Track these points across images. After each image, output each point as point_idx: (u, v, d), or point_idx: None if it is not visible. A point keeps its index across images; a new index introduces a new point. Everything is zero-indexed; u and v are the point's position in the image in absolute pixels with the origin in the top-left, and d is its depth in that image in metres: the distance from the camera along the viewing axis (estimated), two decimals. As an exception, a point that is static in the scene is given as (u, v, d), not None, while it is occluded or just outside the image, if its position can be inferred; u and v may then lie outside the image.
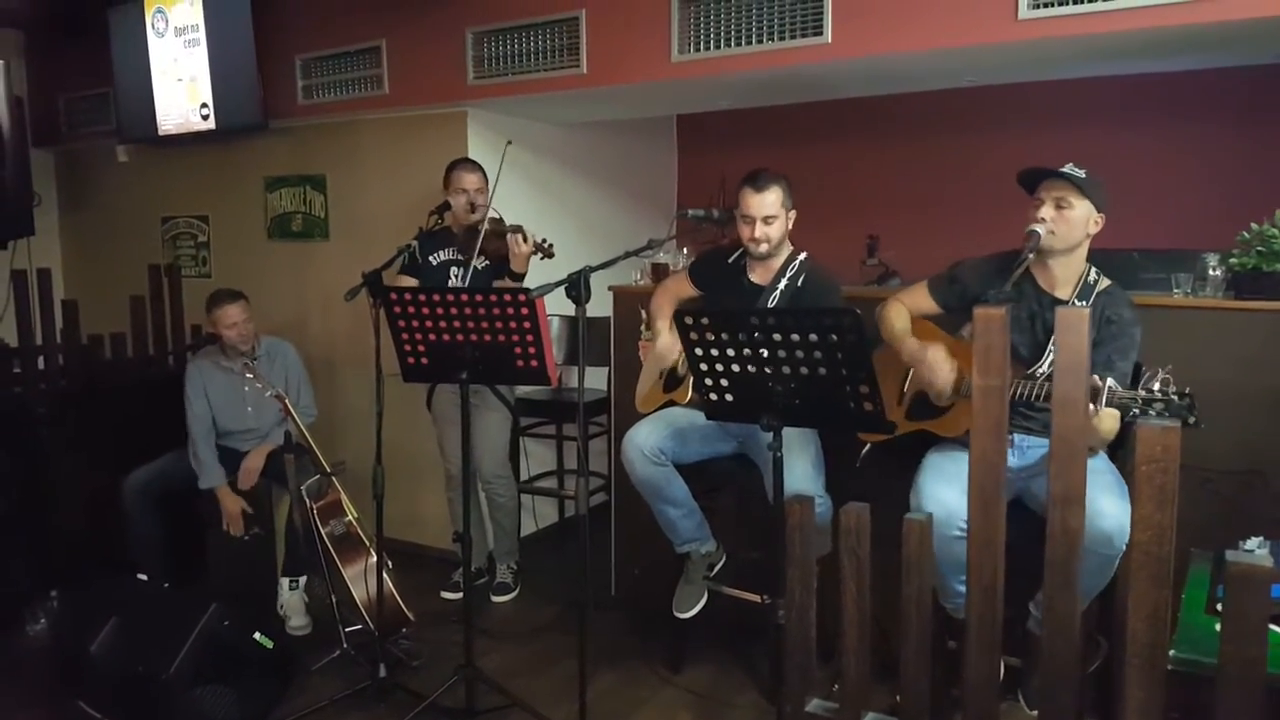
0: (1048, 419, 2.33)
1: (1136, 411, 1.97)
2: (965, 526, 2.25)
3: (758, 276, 2.94)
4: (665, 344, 2.97)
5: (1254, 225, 2.62)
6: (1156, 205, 4.00)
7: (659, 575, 3.15)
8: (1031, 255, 2.35)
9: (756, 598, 2.95)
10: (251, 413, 3.60)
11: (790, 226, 2.89)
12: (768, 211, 2.80)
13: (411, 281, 3.44)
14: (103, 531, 3.60)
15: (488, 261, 3.44)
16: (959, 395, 2.46)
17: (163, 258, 4.90)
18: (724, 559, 3.05)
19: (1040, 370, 2.39)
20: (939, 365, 2.41)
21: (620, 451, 2.92)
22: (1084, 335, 1.65)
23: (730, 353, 2.18)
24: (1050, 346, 2.40)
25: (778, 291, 2.87)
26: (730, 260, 3.00)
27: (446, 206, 3.44)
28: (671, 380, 3.05)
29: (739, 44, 3.31)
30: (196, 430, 3.54)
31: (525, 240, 3.22)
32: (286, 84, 4.40)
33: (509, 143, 3.31)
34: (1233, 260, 2.66)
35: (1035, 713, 2.28)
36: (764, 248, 2.83)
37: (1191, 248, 2.95)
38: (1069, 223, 2.36)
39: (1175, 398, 1.95)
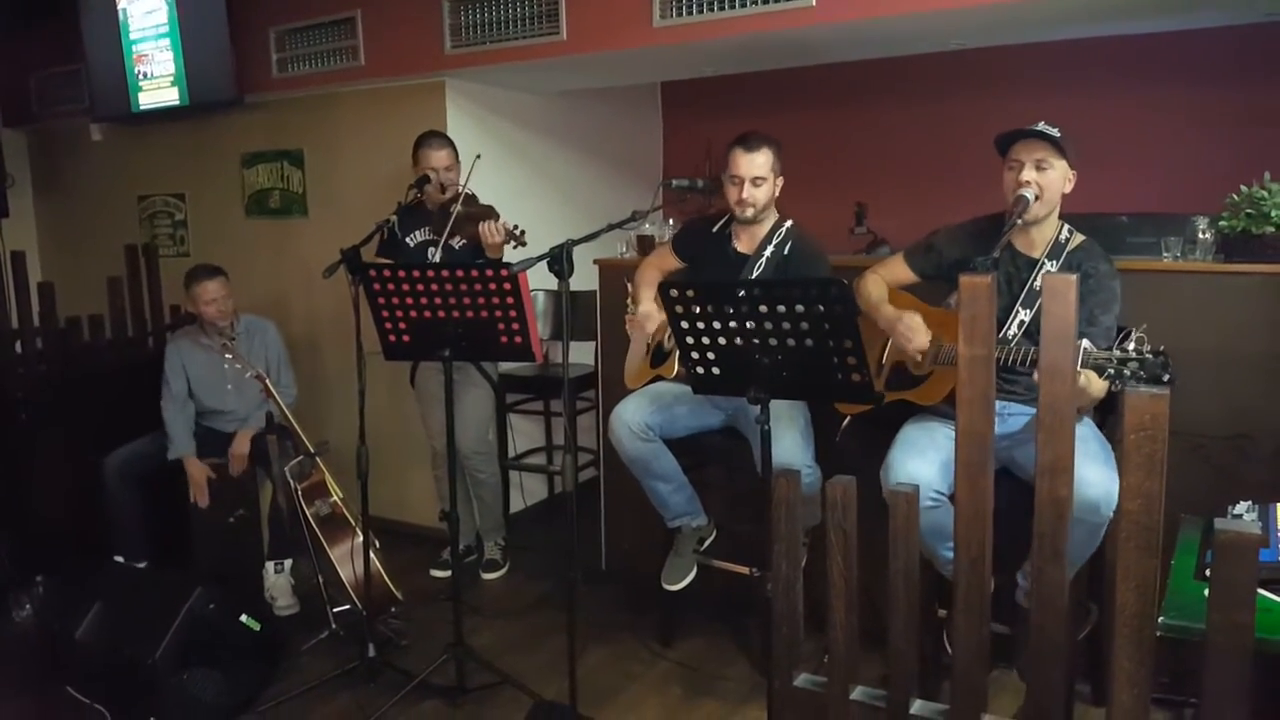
0: (1029, 383, 2.33)
1: (1112, 371, 1.96)
2: (936, 496, 2.26)
3: (743, 245, 2.90)
4: (646, 310, 2.93)
5: (1243, 188, 2.59)
6: (1146, 168, 3.96)
7: (649, 549, 3.14)
8: (1020, 220, 2.32)
9: (746, 570, 2.94)
10: (232, 391, 3.56)
11: (778, 193, 2.84)
12: (757, 173, 2.76)
13: (387, 261, 3.38)
14: (85, 516, 3.57)
15: (465, 241, 3.38)
16: (937, 363, 2.44)
17: (139, 237, 4.82)
18: (714, 533, 3.04)
19: (1010, 331, 2.37)
20: (916, 328, 2.41)
21: (608, 428, 2.90)
22: (1071, 302, 1.62)
23: (716, 325, 2.15)
24: (1016, 307, 2.39)
25: (763, 259, 2.83)
26: (715, 229, 2.96)
27: (426, 180, 3.38)
28: (658, 355, 3.01)
29: (722, 8, 3.25)
30: (169, 403, 3.52)
31: (497, 230, 3.15)
32: (260, 57, 4.32)
33: (478, 156, 3.25)
34: (1222, 223, 2.63)
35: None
36: (750, 211, 2.79)
37: (1181, 211, 2.92)
38: (1051, 184, 2.34)
39: (1150, 356, 1.93)
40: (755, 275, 2.82)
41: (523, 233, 3.17)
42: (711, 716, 2.72)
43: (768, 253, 2.84)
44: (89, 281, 4.31)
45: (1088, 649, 2.55)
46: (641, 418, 2.82)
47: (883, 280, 2.63)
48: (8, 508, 3.60)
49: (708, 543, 3.02)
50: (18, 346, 3.96)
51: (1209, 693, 1.53)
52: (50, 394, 3.81)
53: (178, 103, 4.48)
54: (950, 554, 2.00)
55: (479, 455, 3.64)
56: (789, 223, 2.88)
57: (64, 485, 3.70)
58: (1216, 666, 1.52)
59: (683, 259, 3.03)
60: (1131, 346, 1.97)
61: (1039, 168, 2.33)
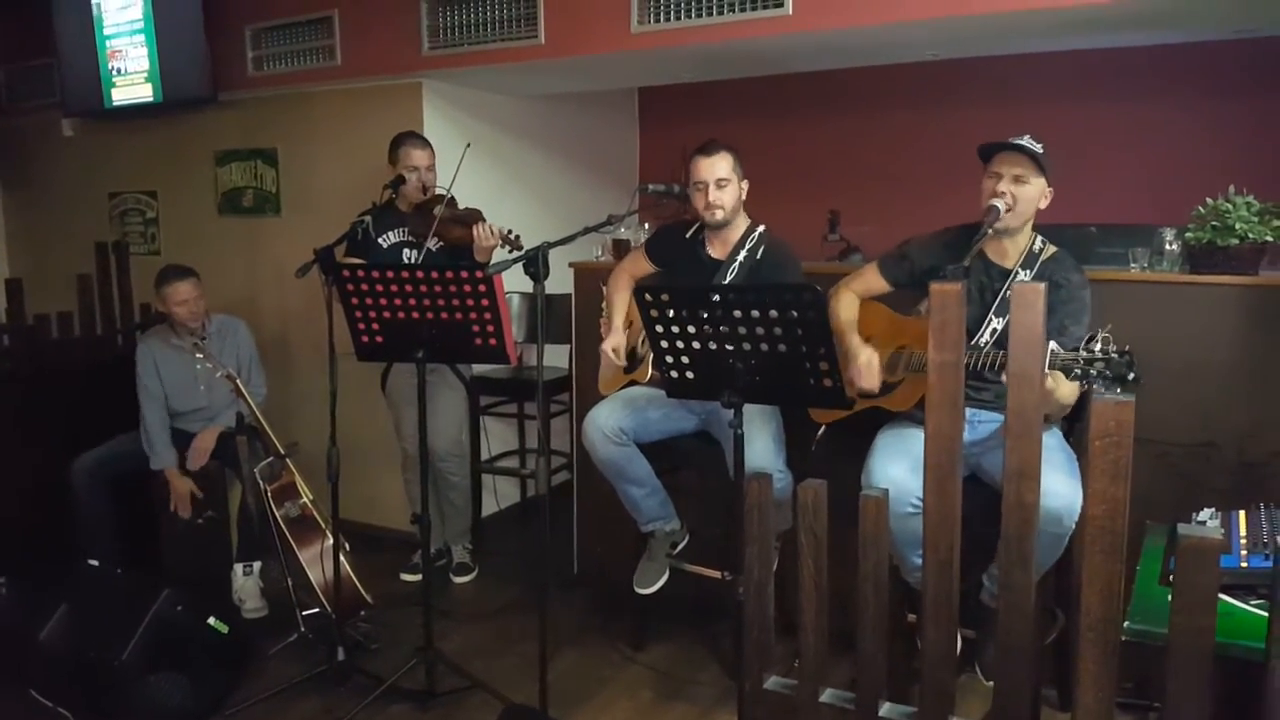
0: (999, 390, 2.36)
1: (1078, 372, 1.99)
2: (918, 502, 2.27)
3: (715, 250, 2.91)
4: (615, 343, 2.94)
5: (1209, 200, 2.64)
6: (1115, 180, 4.02)
7: (621, 554, 3.14)
8: (990, 230, 2.35)
9: (718, 574, 2.95)
10: (204, 392, 3.52)
11: (744, 197, 2.87)
12: (719, 174, 2.78)
13: (359, 262, 3.36)
14: (51, 517, 3.51)
15: (442, 244, 3.36)
16: (909, 370, 2.47)
17: (110, 234, 4.76)
18: (687, 538, 3.04)
19: (982, 340, 2.40)
20: (869, 374, 2.47)
21: (581, 433, 2.90)
22: (1039, 311, 1.64)
23: (691, 330, 2.15)
24: (989, 317, 2.42)
25: (736, 264, 2.85)
26: (687, 235, 2.97)
27: (401, 180, 3.36)
28: (632, 360, 3.02)
29: (699, 15, 3.27)
30: (150, 411, 3.46)
31: (492, 232, 3.14)
32: (236, 55, 4.29)
33: (468, 145, 3.23)
34: (1188, 235, 2.68)
35: (991, 684, 2.31)
36: (719, 214, 2.81)
37: (1148, 222, 2.97)
38: (1026, 198, 2.37)
39: (1115, 356, 1.96)
40: (729, 281, 2.83)
41: (517, 237, 3.16)
42: (683, 719, 2.73)
43: (740, 258, 2.85)
44: (58, 278, 4.26)
45: (1054, 654, 2.58)
46: (615, 422, 2.82)
47: (855, 298, 2.65)
48: (-30, 507, 3.54)
49: (680, 547, 3.03)
50: (-16, 343, 3.90)
51: (1171, 695, 1.56)
52: (17, 392, 3.74)
53: (151, 99, 4.44)
54: (920, 560, 2.01)
55: (454, 458, 3.62)
56: (761, 228, 2.90)
57: (30, 485, 3.64)
58: (1179, 669, 1.55)
59: (656, 264, 3.04)
60: (1098, 347, 2.00)
61: (1017, 181, 2.36)
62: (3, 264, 4.94)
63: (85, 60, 4.57)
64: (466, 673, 2.81)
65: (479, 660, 2.98)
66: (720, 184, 2.78)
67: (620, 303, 3.02)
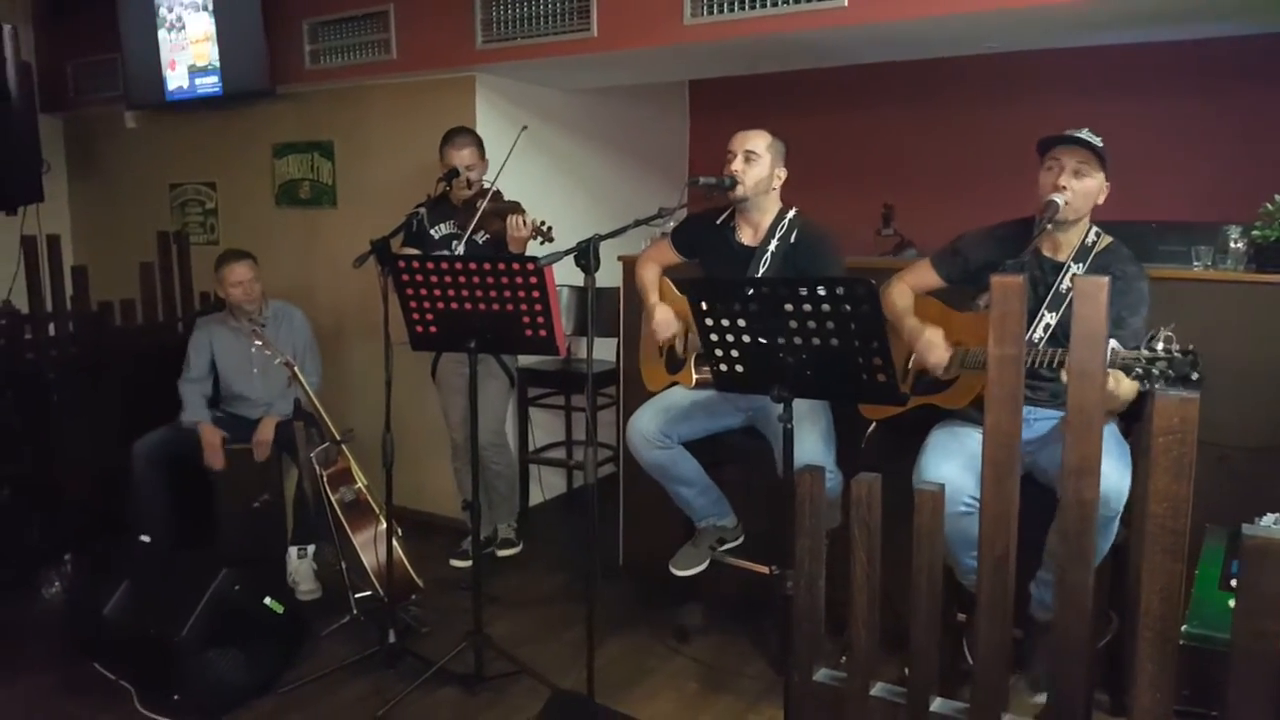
0: (1055, 389, 2.32)
1: (1140, 371, 1.95)
2: (970, 501, 2.25)
3: (746, 237, 2.89)
4: (662, 318, 2.93)
5: (1277, 197, 2.57)
6: (1178, 176, 3.93)
7: (666, 546, 3.15)
8: (1050, 225, 2.32)
9: (765, 569, 2.94)
10: (257, 375, 3.60)
11: (777, 184, 2.84)
12: (749, 146, 2.77)
13: (415, 252, 3.42)
14: (113, 496, 3.62)
15: (488, 236, 3.41)
16: (963, 367, 2.44)
17: (171, 224, 4.89)
18: (741, 538, 3.03)
19: (1035, 335, 2.37)
20: (935, 345, 2.43)
21: (626, 437, 2.91)
22: (1101, 304, 1.61)
23: (741, 323, 2.15)
24: (1041, 311, 2.38)
25: (769, 252, 2.81)
26: (718, 222, 2.94)
27: (455, 173, 3.41)
28: (673, 363, 3.01)
29: (753, 7, 3.25)
30: (186, 376, 3.60)
31: (524, 224, 3.17)
32: (294, 49, 4.37)
33: (524, 127, 3.25)
34: (1255, 233, 2.61)
35: (1034, 700, 2.28)
36: (740, 190, 2.77)
37: (1213, 220, 2.90)
38: (1085, 192, 2.33)
39: (1179, 355, 1.92)
40: (764, 268, 2.80)
41: (549, 229, 3.18)
42: (728, 711, 2.73)
43: (773, 245, 2.81)
44: (121, 266, 4.38)
45: (1107, 658, 2.53)
46: (656, 426, 2.83)
47: (909, 289, 2.63)
48: (38, 487, 3.66)
49: (729, 545, 3.02)
50: (51, 329, 4.02)
51: (1233, 701, 1.53)
52: (81, 376, 3.86)
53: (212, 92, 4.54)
54: (973, 562, 1.99)
55: (495, 446, 3.67)
56: (793, 212, 2.86)
57: (93, 465, 3.76)
58: (1241, 674, 1.52)
59: (684, 254, 3.02)
60: (1160, 346, 1.96)
61: (1077, 174, 2.32)
62: (69, 252, 5.08)
63: (148, 54, 4.68)
64: (514, 658, 2.85)
65: (526, 646, 3.02)
66: (749, 156, 2.77)
67: (651, 283, 3.02)
